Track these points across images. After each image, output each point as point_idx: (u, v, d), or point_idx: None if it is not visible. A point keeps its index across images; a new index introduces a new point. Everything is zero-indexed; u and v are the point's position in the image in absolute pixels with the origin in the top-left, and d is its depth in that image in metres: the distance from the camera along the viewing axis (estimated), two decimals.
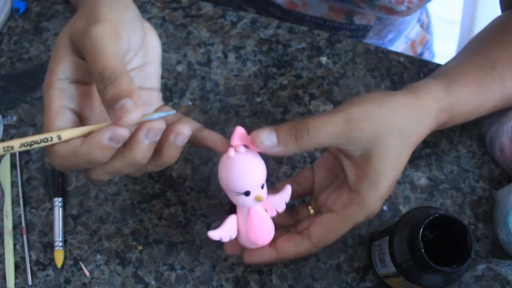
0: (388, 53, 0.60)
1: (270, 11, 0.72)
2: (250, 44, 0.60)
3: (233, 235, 0.44)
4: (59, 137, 0.36)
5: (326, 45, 0.60)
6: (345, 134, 0.41)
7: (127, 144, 0.37)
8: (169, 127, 0.38)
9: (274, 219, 0.45)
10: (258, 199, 0.42)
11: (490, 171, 0.56)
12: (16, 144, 0.35)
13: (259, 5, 0.72)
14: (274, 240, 0.45)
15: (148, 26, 0.44)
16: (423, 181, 0.55)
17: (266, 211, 0.44)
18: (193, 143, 0.43)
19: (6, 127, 0.56)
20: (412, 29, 0.81)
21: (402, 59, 0.60)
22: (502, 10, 0.59)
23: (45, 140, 0.36)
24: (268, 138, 0.40)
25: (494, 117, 0.54)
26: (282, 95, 0.58)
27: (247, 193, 0.41)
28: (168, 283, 0.51)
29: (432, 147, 0.56)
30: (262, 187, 0.42)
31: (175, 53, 0.59)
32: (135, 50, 0.41)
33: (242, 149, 0.41)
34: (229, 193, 0.43)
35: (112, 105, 0.34)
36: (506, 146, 0.52)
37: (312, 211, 0.48)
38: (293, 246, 0.44)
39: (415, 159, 0.56)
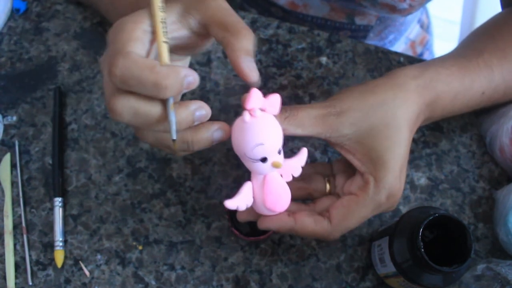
0: (388, 53, 0.60)
1: (271, 11, 0.72)
2: None
3: (250, 203, 0.42)
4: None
5: (326, 45, 0.60)
6: (329, 120, 0.43)
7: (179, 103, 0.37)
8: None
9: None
10: (275, 166, 0.40)
11: (490, 171, 0.56)
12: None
13: (260, 6, 0.72)
14: (290, 211, 0.44)
15: None
16: (423, 181, 0.55)
17: (281, 176, 0.42)
18: None
19: (6, 127, 0.56)
20: (412, 30, 0.81)
21: (402, 59, 0.60)
22: (502, 8, 0.59)
23: None
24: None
25: (494, 117, 0.55)
26: (282, 95, 0.58)
27: (264, 160, 0.40)
28: (168, 283, 0.51)
29: (432, 147, 0.56)
30: (280, 153, 0.40)
31: None
32: None
33: (258, 112, 0.39)
34: (244, 160, 0.41)
35: (246, 54, 0.38)
36: (506, 146, 0.52)
37: (328, 187, 0.47)
38: (312, 222, 0.43)
39: (415, 159, 0.56)
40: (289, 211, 0.43)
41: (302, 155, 0.43)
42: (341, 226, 0.42)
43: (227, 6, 0.40)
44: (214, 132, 0.39)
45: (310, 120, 0.43)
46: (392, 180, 0.42)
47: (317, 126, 0.43)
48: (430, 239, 0.48)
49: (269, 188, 0.41)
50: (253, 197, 0.42)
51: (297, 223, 0.43)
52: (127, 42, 0.36)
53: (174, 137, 0.38)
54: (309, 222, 0.43)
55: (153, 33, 0.39)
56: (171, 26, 0.40)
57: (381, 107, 0.43)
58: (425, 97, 0.45)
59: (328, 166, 0.48)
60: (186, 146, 0.39)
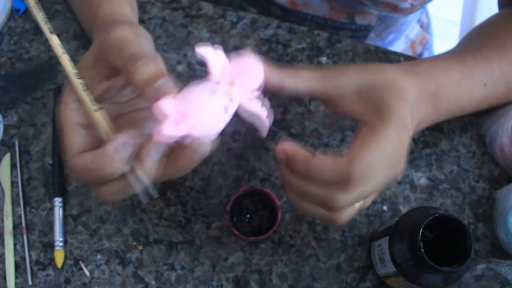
0: (387, 53, 0.60)
1: (271, 10, 0.72)
2: (250, 44, 0.60)
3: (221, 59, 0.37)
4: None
5: (326, 45, 0.60)
6: (330, 78, 0.42)
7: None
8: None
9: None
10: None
11: (490, 171, 0.56)
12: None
13: (260, 4, 0.72)
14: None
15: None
16: (423, 181, 0.55)
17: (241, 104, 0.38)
18: None
19: (6, 127, 0.56)
20: (412, 30, 0.81)
21: (401, 59, 0.60)
22: (499, 8, 0.59)
23: None
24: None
25: (494, 117, 0.55)
26: (282, 95, 0.58)
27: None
28: (168, 283, 0.51)
29: (432, 147, 0.56)
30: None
31: (175, 53, 0.59)
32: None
33: (182, 127, 0.35)
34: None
35: (149, 85, 0.34)
36: (506, 146, 0.52)
37: None
38: (330, 157, 0.38)
39: (415, 159, 0.56)
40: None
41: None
42: (361, 159, 0.37)
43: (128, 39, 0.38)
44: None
45: (313, 74, 0.41)
46: (406, 115, 0.40)
47: (318, 80, 0.41)
48: (430, 239, 0.48)
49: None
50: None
51: (315, 158, 0.38)
52: (67, 139, 0.37)
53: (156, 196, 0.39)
54: (327, 158, 0.38)
55: (82, 105, 0.38)
56: (93, 83, 0.39)
57: (381, 70, 0.43)
58: (423, 84, 0.44)
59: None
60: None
